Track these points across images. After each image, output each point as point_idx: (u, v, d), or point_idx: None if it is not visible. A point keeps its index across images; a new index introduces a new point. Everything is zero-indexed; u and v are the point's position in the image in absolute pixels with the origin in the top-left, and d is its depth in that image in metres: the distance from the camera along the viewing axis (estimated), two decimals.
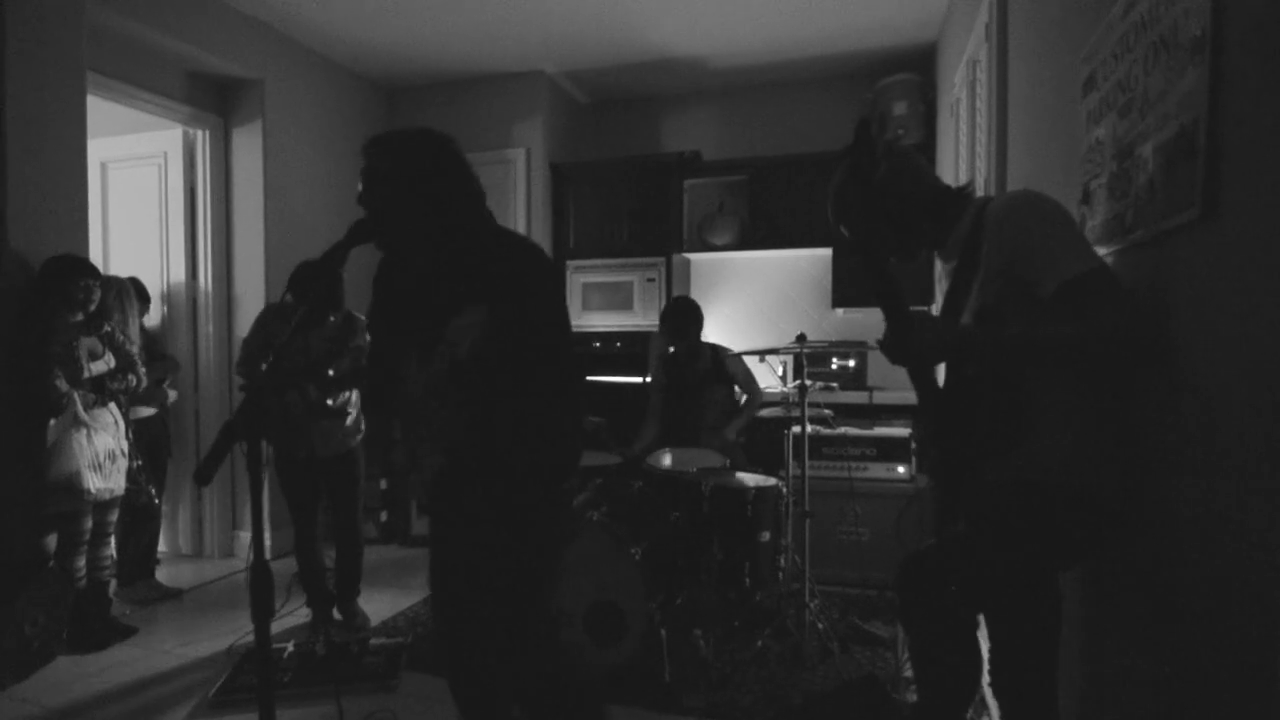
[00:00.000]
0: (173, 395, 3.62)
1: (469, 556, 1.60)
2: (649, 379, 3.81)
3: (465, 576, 1.61)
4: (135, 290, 3.62)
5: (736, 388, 3.67)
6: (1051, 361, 1.32)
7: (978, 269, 1.42)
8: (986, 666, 1.56)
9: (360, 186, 1.52)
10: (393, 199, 1.50)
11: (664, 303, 4.46)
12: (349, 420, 3.08)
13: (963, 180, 3.22)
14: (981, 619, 1.65)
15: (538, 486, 1.56)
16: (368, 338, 3.07)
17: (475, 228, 1.58)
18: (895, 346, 1.38)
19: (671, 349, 3.62)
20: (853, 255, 1.38)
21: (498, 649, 1.58)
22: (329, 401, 2.97)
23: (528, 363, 1.50)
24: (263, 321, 2.97)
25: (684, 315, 3.53)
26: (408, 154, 1.51)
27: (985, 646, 1.60)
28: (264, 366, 2.83)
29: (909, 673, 2.48)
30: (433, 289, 1.59)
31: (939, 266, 1.71)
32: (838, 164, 1.52)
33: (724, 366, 3.58)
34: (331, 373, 2.88)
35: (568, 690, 1.61)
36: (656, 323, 4.44)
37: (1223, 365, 1.01)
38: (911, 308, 1.40)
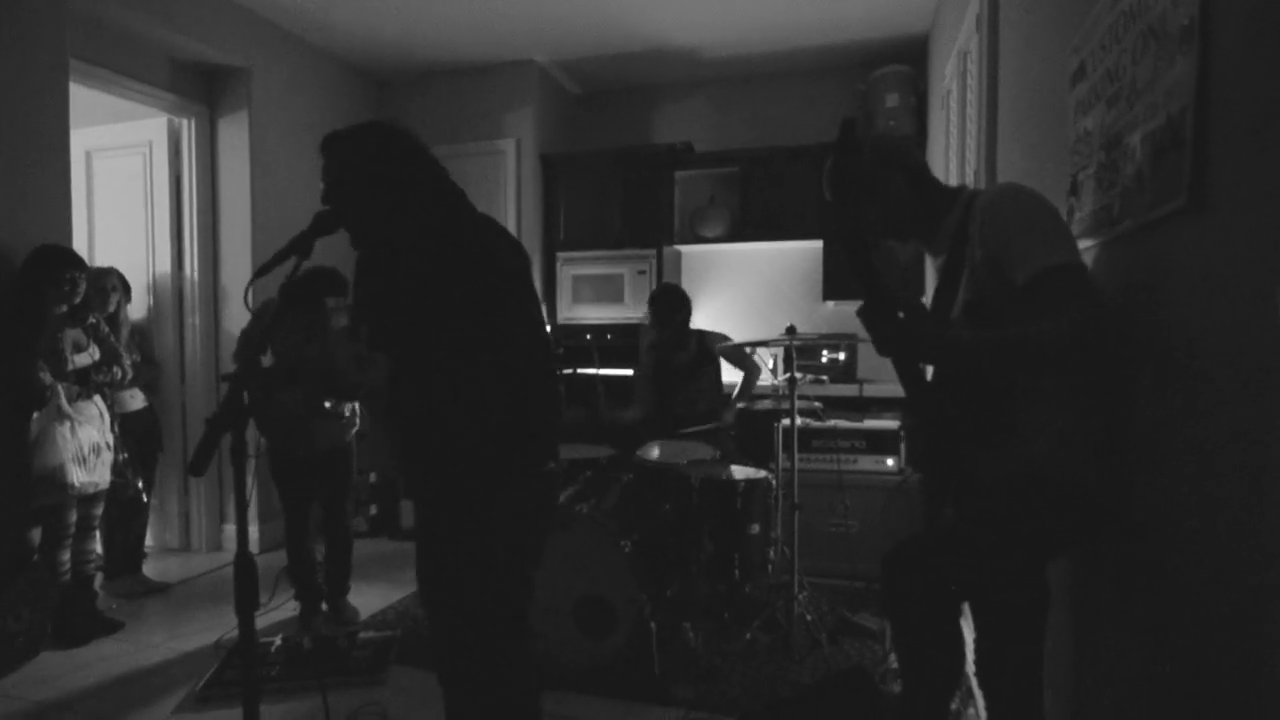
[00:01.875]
0: (140, 400, 3.50)
1: (437, 542, 1.59)
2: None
3: (435, 563, 1.61)
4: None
5: (735, 369, 3.66)
6: (1018, 364, 1.32)
7: (965, 263, 1.42)
8: (972, 656, 1.57)
9: (323, 185, 1.53)
10: (353, 192, 1.51)
11: None
12: (344, 416, 3.07)
13: (953, 173, 3.22)
14: (966, 608, 1.65)
15: (489, 466, 1.53)
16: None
17: (439, 213, 1.58)
18: (868, 319, 1.38)
19: (657, 335, 3.63)
20: (839, 242, 1.37)
21: (479, 640, 1.57)
22: (326, 403, 2.95)
23: (467, 339, 1.49)
24: (262, 313, 2.94)
25: (667, 299, 3.53)
26: (362, 147, 1.53)
27: (970, 636, 1.60)
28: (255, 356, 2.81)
29: (896, 664, 2.49)
30: (398, 276, 1.59)
31: (929, 262, 1.71)
32: (826, 159, 1.51)
33: (709, 351, 3.57)
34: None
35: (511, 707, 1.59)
36: (646, 314, 4.45)
37: (1210, 355, 1.01)
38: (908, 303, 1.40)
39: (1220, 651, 0.96)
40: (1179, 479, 1.09)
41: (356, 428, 3.16)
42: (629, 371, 4.42)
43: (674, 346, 3.60)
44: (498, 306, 1.53)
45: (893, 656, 2.57)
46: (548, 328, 4.18)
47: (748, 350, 3.68)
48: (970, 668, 1.56)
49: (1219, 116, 0.97)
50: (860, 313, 1.38)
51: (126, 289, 3.55)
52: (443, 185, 1.60)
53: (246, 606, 1.21)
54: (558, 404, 1.72)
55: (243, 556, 1.21)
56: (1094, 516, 1.34)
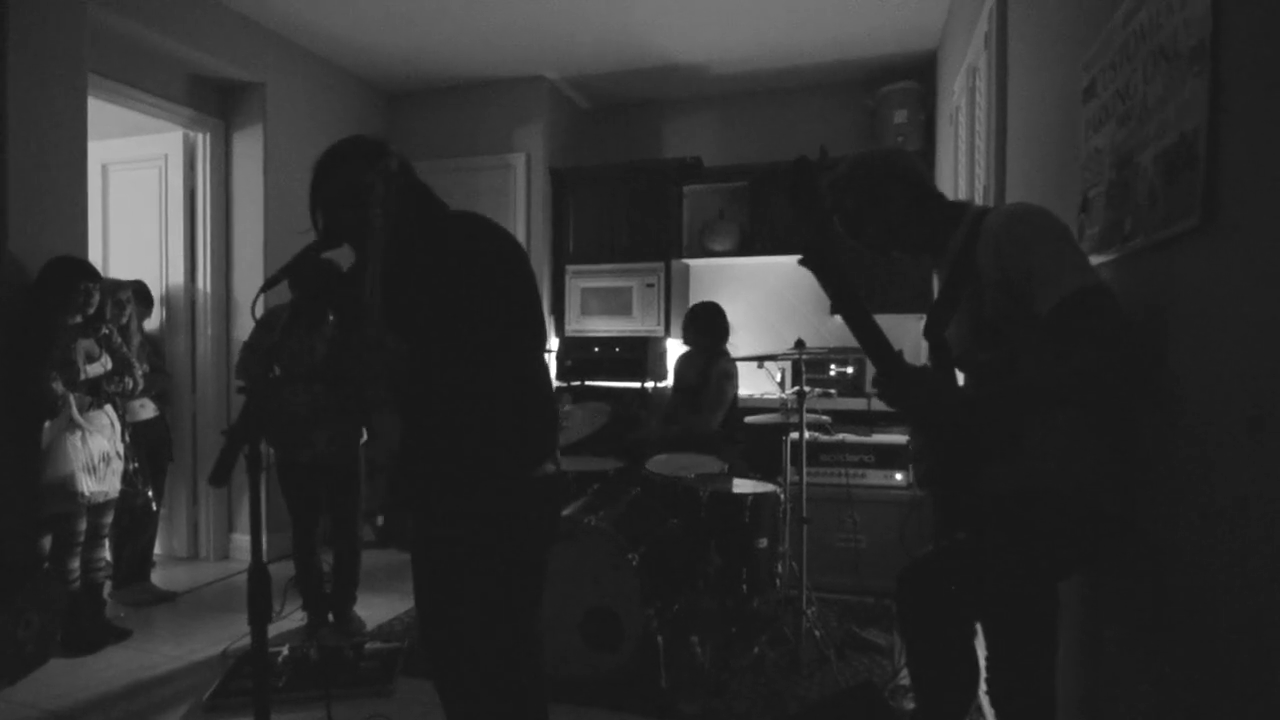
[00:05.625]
0: (150, 410, 3.52)
1: (438, 554, 1.56)
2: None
3: (435, 576, 1.58)
4: (138, 294, 3.62)
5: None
6: (1052, 405, 1.31)
7: (970, 281, 1.41)
8: (984, 675, 1.56)
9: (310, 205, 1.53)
10: (340, 212, 1.51)
11: (663, 308, 4.46)
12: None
13: (962, 189, 3.22)
14: (979, 627, 1.64)
15: (496, 467, 1.49)
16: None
17: (423, 220, 1.56)
18: (888, 392, 1.36)
19: (694, 351, 3.65)
20: (838, 309, 1.33)
21: (469, 654, 1.54)
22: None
23: (472, 336, 1.45)
24: (264, 323, 2.96)
25: (714, 325, 3.54)
26: (345, 165, 1.52)
27: (983, 655, 1.59)
28: (273, 367, 2.83)
29: (905, 680, 2.47)
30: (390, 283, 1.58)
31: (936, 276, 1.71)
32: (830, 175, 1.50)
33: (710, 370, 3.54)
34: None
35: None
36: (655, 328, 4.47)
37: (1221, 373, 1.01)
38: (905, 316, 1.40)
39: (1231, 667, 0.96)
40: (1188, 495, 1.08)
41: (363, 438, 3.17)
42: (635, 384, 4.43)
43: (696, 363, 3.60)
44: (486, 297, 1.48)
45: (902, 673, 2.55)
46: (546, 322, 4.14)
47: (755, 368, 3.66)
48: (982, 686, 1.55)
49: (1231, 136, 0.98)
50: (876, 384, 1.38)
51: (148, 301, 3.59)
52: (415, 187, 1.59)
53: (260, 617, 1.21)
54: (552, 402, 1.66)
55: (257, 567, 1.21)
56: (1104, 532, 1.33)
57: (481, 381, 1.45)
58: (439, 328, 1.45)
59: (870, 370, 4.29)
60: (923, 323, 4.24)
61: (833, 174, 1.51)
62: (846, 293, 1.37)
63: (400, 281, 1.50)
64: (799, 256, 1.42)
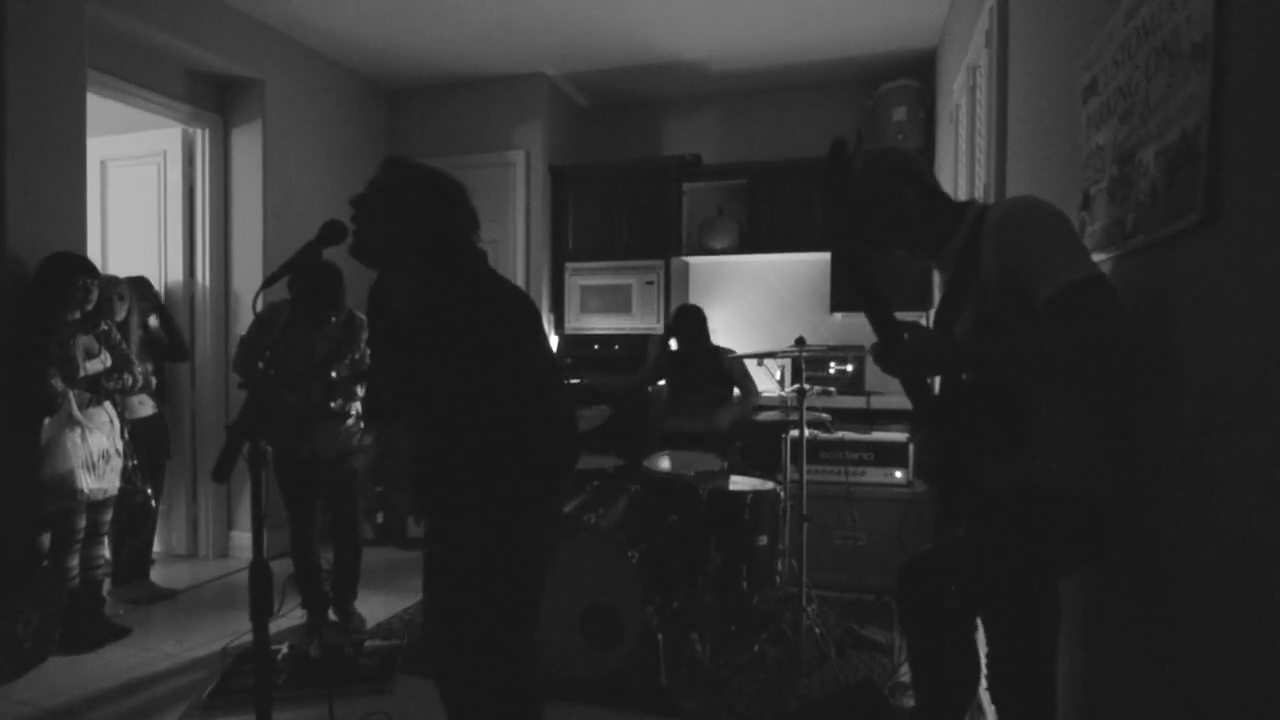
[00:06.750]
0: (149, 407, 3.51)
1: (449, 556, 1.59)
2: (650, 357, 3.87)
3: (444, 577, 1.60)
4: (142, 289, 3.61)
5: (735, 389, 3.68)
6: (1038, 375, 1.32)
7: (975, 277, 1.41)
8: (984, 672, 1.56)
9: (363, 192, 1.52)
10: (383, 221, 1.50)
11: (663, 306, 4.47)
12: (350, 421, 3.08)
13: (962, 187, 3.22)
14: (980, 624, 1.64)
15: (511, 491, 1.55)
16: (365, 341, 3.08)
17: (460, 273, 1.58)
18: (885, 356, 1.37)
19: (674, 345, 3.67)
20: (838, 261, 1.33)
21: (472, 652, 1.57)
22: (332, 404, 2.97)
23: (495, 399, 1.49)
24: (262, 320, 2.96)
25: (691, 323, 3.59)
26: (420, 188, 1.52)
27: (983, 652, 1.59)
28: (260, 365, 2.83)
29: (905, 678, 2.48)
30: (412, 320, 1.60)
31: (937, 277, 1.71)
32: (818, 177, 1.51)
33: (720, 365, 3.60)
34: (335, 374, 2.88)
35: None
36: (655, 326, 4.47)
37: (1223, 369, 1.01)
38: (905, 314, 1.40)
39: (1231, 665, 0.96)
40: (1190, 492, 1.09)
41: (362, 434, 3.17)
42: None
43: (690, 359, 3.63)
44: (512, 353, 1.53)
45: (902, 670, 2.56)
46: (559, 370, 4.21)
47: (754, 366, 3.70)
48: (982, 683, 1.55)
49: (1233, 133, 0.98)
50: (874, 350, 1.38)
51: (154, 297, 3.58)
52: (469, 242, 1.60)
53: (261, 613, 1.21)
54: (569, 443, 1.68)
55: (259, 563, 1.21)
56: (1106, 529, 1.34)
57: (505, 427, 1.51)
58: (461, 380, 1.49)
59: (870, 371, 4.30)
60: (922, 320, 4.26)
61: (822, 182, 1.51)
62: (872, 289, 1.36)
63: (421, 335, 1.52)
64: (831, 252, 1.43)
